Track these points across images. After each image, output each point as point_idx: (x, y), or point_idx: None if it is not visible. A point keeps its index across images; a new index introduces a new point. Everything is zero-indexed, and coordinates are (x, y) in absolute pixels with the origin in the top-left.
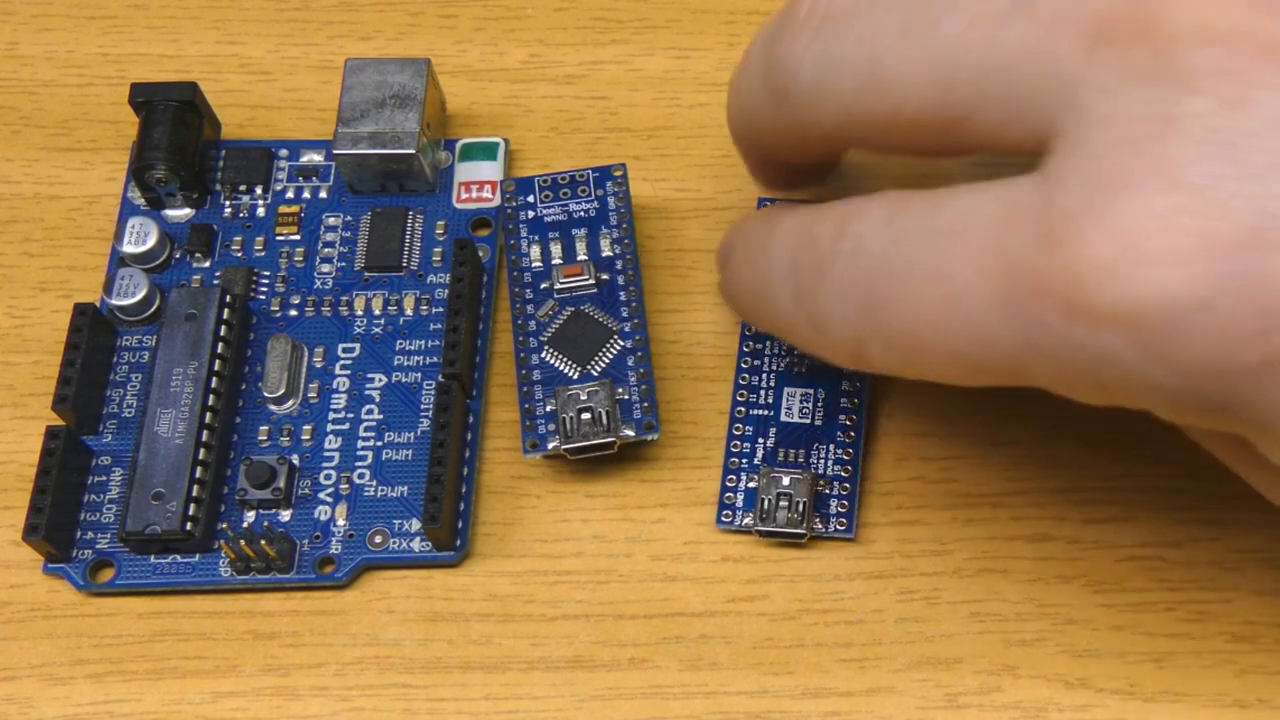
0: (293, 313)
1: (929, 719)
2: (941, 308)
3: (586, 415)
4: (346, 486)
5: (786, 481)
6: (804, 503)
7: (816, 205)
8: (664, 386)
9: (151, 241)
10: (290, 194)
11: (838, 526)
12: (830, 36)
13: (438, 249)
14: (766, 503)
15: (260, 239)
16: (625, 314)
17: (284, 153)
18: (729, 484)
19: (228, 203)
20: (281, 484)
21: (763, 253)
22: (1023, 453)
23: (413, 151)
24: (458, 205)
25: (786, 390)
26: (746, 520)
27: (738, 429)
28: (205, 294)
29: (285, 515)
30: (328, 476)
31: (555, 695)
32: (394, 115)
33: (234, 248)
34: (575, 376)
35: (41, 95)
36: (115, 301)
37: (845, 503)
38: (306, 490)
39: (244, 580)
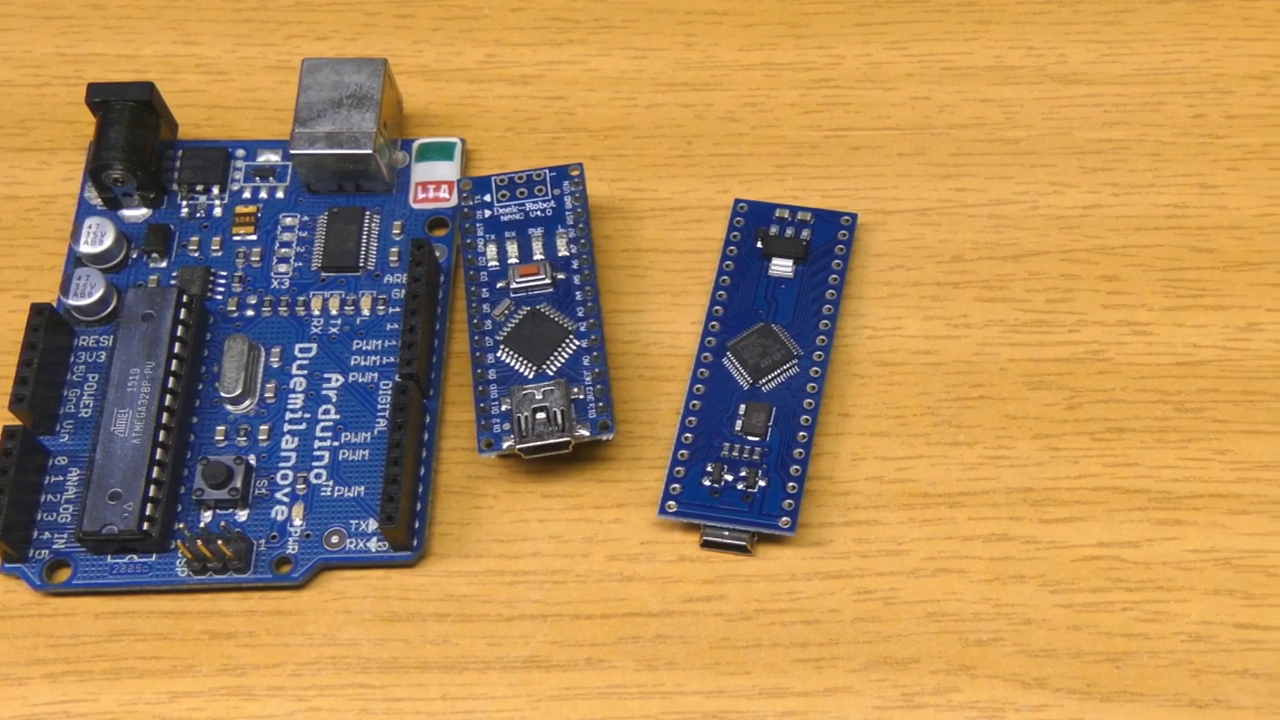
0: (250, 313)
1: (886, 719)
2: None
3: (542, 415)
4: (303, 486)
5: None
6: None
7: None
8: (620, 386)
9: (108, 241)
10: (247, 194)
11: (782, 525)
12: None
13: (394, 249)
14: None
15: (217, 239)
16: (581, 313)
17: (241, 153)
18: (675, 475)
19: (185, 203)
20: (238, 484)
21: None
22: (979, 453)
23: (369, 151)
24: (414, 205)
25: (739, 397)
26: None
27: (690, 421)
28: (162, 294)
29: (242, 515)
30: (284, 476)
31: (512, 695)
32: (351, 115)
33: (191, 248)
34: (531, 376)
35: None
36: (72, 301)
37: (792, 502)
38: (263, 490)
39: (201, 580)
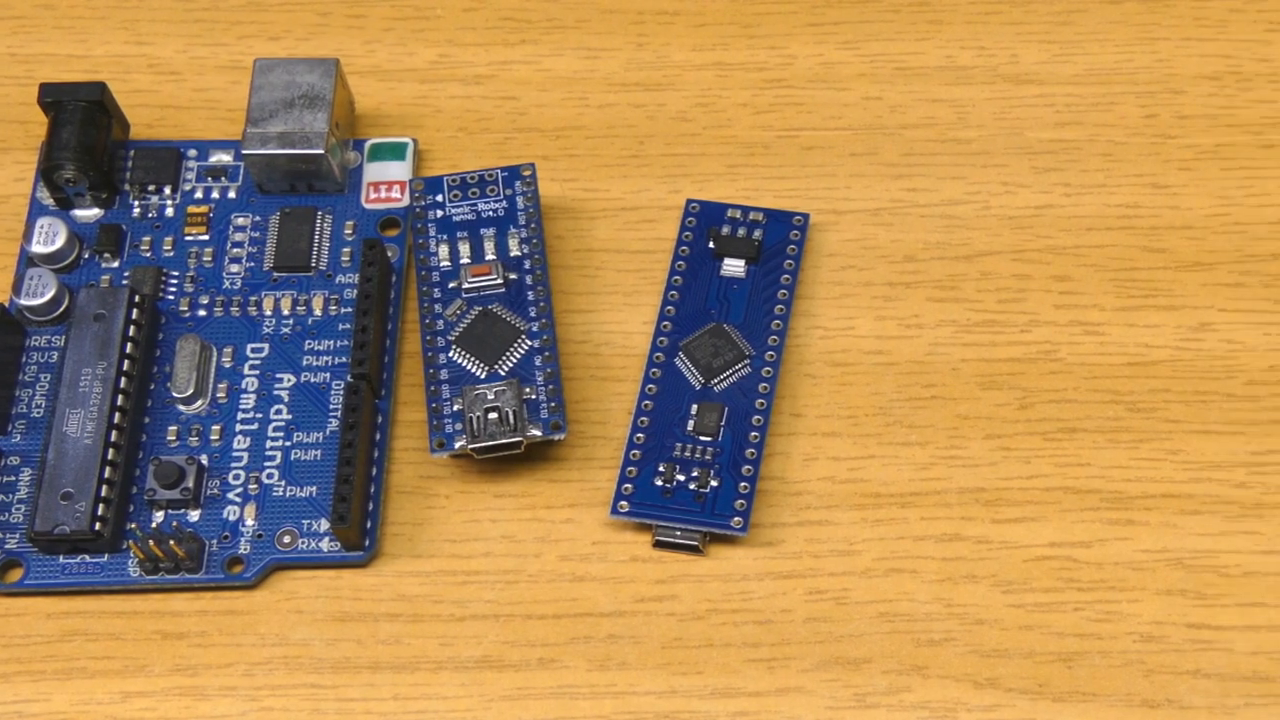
0: (201, 313)
1: (838, 719)
2: None
3: (494, 415)
4: (255, 486)
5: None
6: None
7: None
8: (571, 386)
9: (60, 241)
10: (199, 194)
11: (734, 525)
12: None
13: (346, 249)
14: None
15: (169, 239)
16: (533, 314)
17: (193, 153)
18: (627, 475)
19: (136, 203)
20: (190, 484)
21: None
22: (931, 453)
23: (321, 151)
24: (366, 205)
25: (691, 397)
26: (632, 511)
27: (642, 421)
28: (114, 294)
29: (194, 515)
30: (236, 476)
31: (464, 695)
32: (303, 115)
33: (143, 248)
34: (483, 376)
35: None
36: (24, 301)
37: (744, 502)
38: (215, 490)
39: (153, 580)
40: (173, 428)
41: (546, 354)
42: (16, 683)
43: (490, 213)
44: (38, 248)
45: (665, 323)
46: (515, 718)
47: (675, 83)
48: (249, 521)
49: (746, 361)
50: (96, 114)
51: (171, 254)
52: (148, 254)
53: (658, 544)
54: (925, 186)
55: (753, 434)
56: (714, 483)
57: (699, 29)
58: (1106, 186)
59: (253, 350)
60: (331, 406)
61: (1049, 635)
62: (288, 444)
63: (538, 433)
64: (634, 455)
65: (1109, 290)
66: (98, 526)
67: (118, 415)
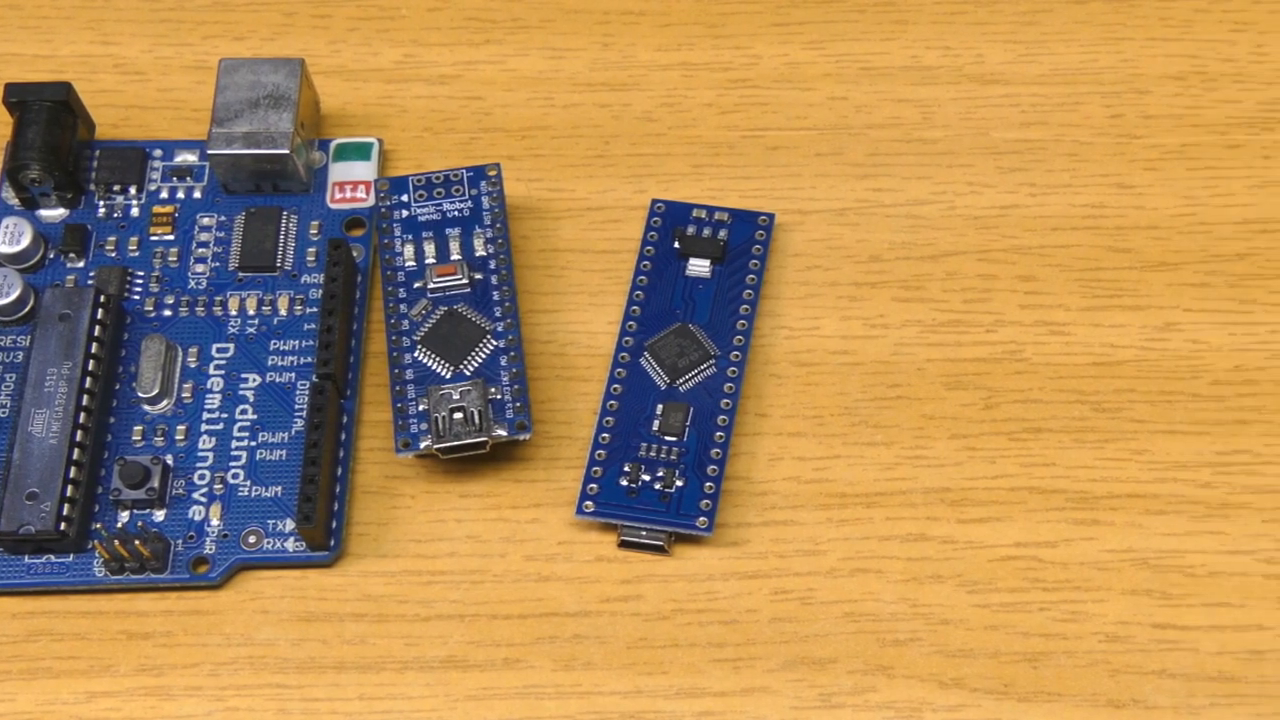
0: (167, 313)
1: (803, 719)
2: None
3: (459, 415)
4: (220, 486)
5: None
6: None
7: None
8: (537, 386)
9: (26, 241)
10: (164, 194)
11: (699, 525)
12: None
13: (312, 249)
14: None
15: (134, 239)
16: (498, 313)
17: (158, 153)
18: (592, 475)
19: (102, 203)
20: (155, 484)
21: None
22: (896, 453)
23: (286, 151)
24: (332, 205)
25: (656, 397)
26: (606, 512)
27: (607, 421)
28: (79, 294)
29: (159, 515)
30: (201, 476)
31: (429, 695)
32: (268, 115)
33: (108, 248)
34: (448, 376)
35: None
36: None
37: (709, 502)
38: (180, 490)
39: (118, 580)
40: (138, 428)
41: (512, 354)
42: None
43: (455, 213)
44: (2, 248)
45: (630, 323)
46: (481, 718)
47: (640, 83)
48: (214, 521)
49: (712, 361)
50: (62, 114)
51: (137, 254)
52: (113, 254)
53: (623, 544)
54: (890, 186)
55: (718, 434)
56: (679, 483)
57: (664, 29)
58: (1072, 186)
59: (218, 350)
60: (297, 406)
61: (1014, 635)
62: (253, 444)
63: (503, 433)
64: (599, 455)
65: (1074, 290)
66: (63, 526)
67: (83, 415)
